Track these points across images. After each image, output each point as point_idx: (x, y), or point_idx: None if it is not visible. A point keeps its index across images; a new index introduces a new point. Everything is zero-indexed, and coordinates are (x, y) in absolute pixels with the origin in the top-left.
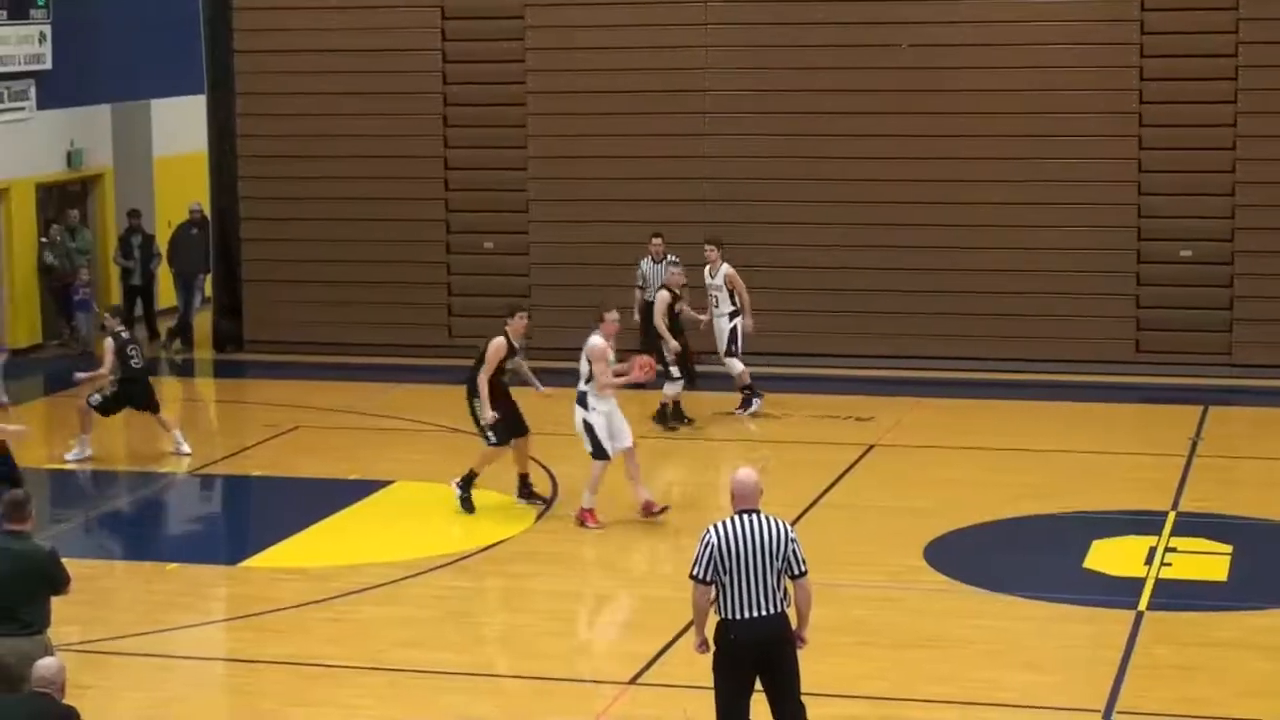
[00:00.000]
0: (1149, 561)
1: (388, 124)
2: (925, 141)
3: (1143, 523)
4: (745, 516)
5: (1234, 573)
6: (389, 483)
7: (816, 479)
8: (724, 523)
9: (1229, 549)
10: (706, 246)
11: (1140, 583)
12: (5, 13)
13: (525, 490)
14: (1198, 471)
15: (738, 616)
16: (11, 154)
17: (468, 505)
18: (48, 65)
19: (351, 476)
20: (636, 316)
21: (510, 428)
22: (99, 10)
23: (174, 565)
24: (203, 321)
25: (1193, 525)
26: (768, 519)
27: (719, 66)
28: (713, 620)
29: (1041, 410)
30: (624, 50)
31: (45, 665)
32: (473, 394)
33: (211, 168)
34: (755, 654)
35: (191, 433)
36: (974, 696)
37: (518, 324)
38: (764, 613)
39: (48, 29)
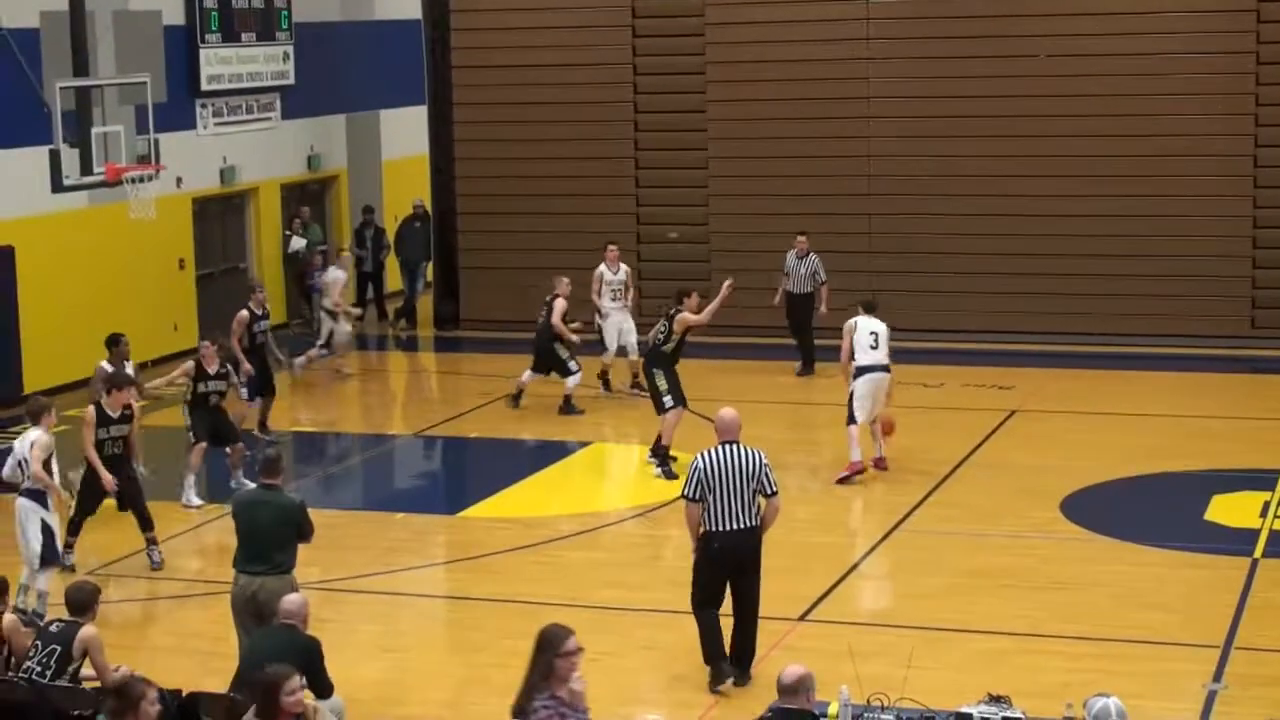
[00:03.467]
0: (1264, 514)
1: (585, 129)
2: (1062, 141)
3: (1258, 479)
4: (726, 446)
5: None
6: (587, 444)
7: (965, 441)
8: (709, 451)
9: None
10: (610, 246)
11: (1256, 533)
12: (254, 35)
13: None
14: None
15: (719, 528)
16: (260, 158)
17: (670, 474)
18: (291, 81)
19: (555, 438)
20: (776, 301)
21: (682, 396)
22: (335, 32)
23: (402, 515)
24: (425, 304)
25: None
26: (746, 449)
27: (880, 76)
28: None
29: (1166, 380)
30: (794, 62)
31: (291, 601)
32: (652, 365)
33: (432, 169)
34: (732, 558)
35: (415, 400)
36: (1105, 633)
37: (693, 302)
38: (740, 525)
39: (291, 49)
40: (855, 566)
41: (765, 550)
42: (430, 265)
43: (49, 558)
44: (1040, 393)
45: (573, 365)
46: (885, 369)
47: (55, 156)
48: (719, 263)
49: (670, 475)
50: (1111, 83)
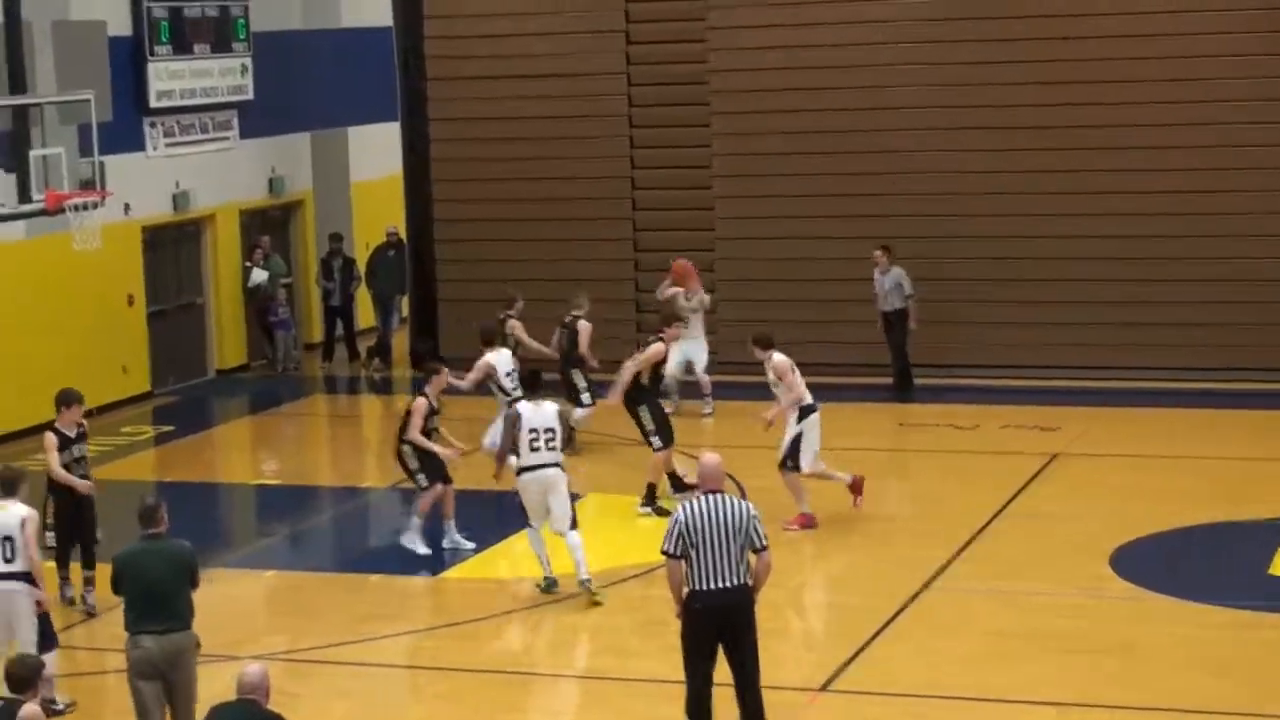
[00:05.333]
0: None
1: (575, 147)
2: (1109, 154)
3: None
4: (710, 496)
5: None
6: (579, 496)
7: (1001, 488)
8: (691, 502)
9: None
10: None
11: None
12: (209, 46)
13: (678, 484)
14: None
15: (703, 587)
16: (216, 182)
17: (663, 512)
18: (249, 96)
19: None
20: (879, 326)
21: (670, 434)
22: (298, 42)
23: (377, 577)
24: (400, 340)
25: None
26: (731, 499)
27: (901, 84)
28: None
29: (1223, 418)
30: (806, 69)
31: (250, 673)
32: (633, 402)
33: (406, 192)
34: (718, 621)
35: (391, 448)
36: (1162, 702)
37: (673, 332)
38: (726, 584)
39: (249, 61)
40: (881, 630)
41: (780, 612)
42: (405, 298)
43: (50, 640)
44: (1086, 434)
45: (586, 398)
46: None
47: None
48: (727, 292)
49: (663, 513)
50: (1157, 102)
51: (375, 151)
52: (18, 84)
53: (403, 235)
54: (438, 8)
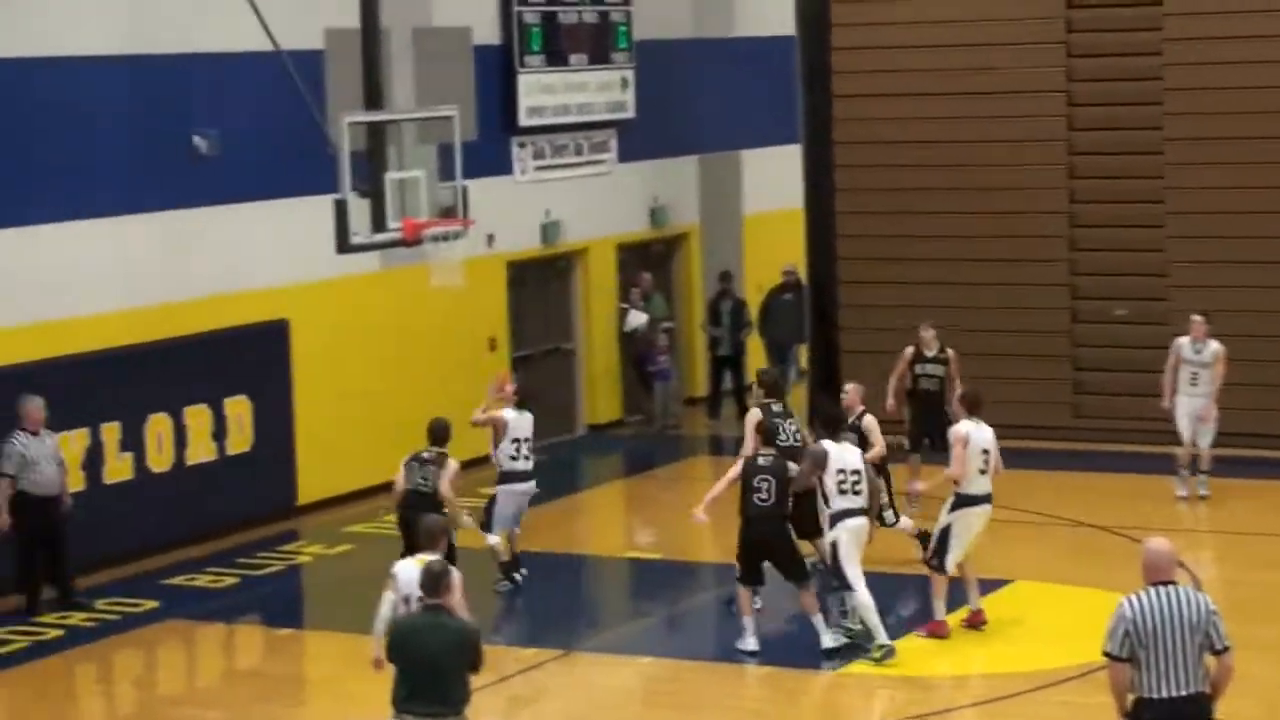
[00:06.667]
0: None
1: (1002, 176)
2: None
3: None
4: (1161, 589)
5: None
6: (1006, 582)
7: None
8: (1138, 595)
9: None
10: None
11: None
12: (585, 57)
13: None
14: None
15: (1154, 695)
16: (590, 212)
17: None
18: (630, 114)
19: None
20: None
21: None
22: (686, 52)
23: (765, 669)
24: (798, 395)
25: None
26: (1186, 592)
27: None
28: None
29: None
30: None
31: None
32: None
33: (807, 226)
34: None
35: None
36: None
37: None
38: (1184, 692)
39: (631, 74)
40: None
41: None
42: (804, 348)
43: None
44: None
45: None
46: (990, 500)
47: (341, 209)
48: None
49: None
50: None
51: (772, 179)
52: (374, 98)
53: (802, 276)
54: (847, 15)
